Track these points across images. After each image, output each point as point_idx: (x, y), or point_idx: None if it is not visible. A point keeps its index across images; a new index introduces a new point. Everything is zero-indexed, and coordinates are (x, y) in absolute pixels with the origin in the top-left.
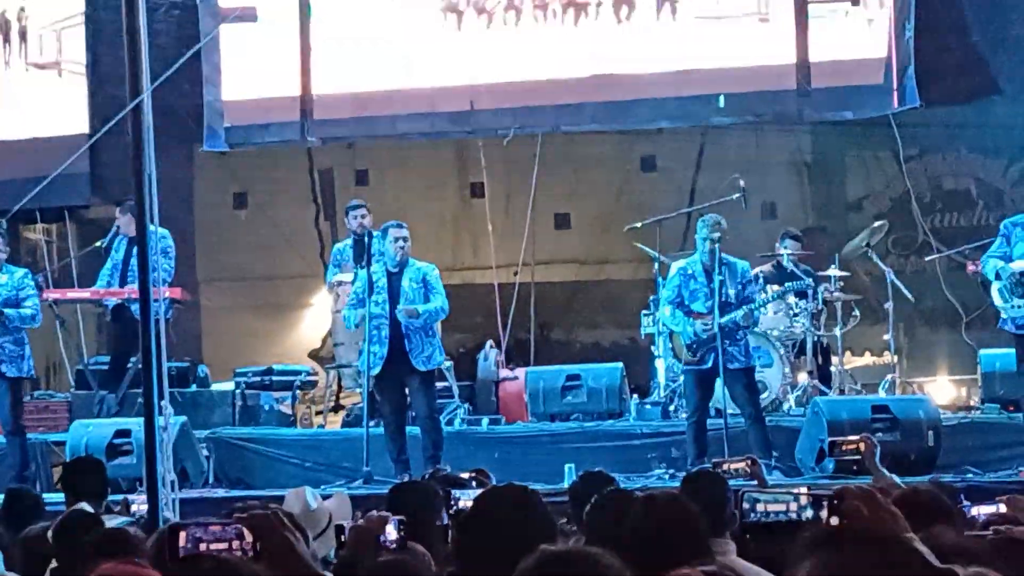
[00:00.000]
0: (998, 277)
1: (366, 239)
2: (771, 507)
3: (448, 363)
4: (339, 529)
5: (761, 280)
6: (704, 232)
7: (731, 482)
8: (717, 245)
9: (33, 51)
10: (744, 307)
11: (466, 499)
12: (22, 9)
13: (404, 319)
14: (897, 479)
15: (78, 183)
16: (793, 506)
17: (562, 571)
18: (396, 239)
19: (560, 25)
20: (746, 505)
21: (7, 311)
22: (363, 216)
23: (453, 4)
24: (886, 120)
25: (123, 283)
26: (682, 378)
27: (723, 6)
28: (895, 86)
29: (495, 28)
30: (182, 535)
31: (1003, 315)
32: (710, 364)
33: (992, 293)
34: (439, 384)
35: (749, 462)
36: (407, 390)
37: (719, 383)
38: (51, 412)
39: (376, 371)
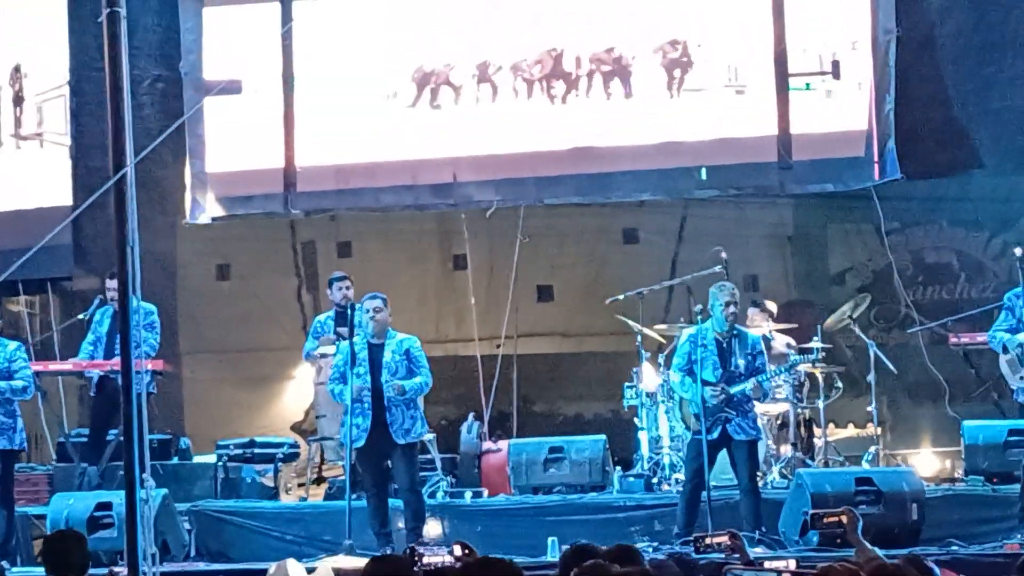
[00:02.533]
0: (1005, 350)
1: (348, 311)
2: None
3: (431, 435)
4: None
5: None
6: (722, 300)
7: (713, 556)
8: (735, 314)
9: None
10: (753, 379)
11: (430, 555)
12: (16, 69)
13: (392, 393)
14: (880, 552)
15: (61, 255)
16: None
17: None
18: (368, 310)
19: (543, 98)
20: None
21: None
22: (348, 288)
23: (427, 77)
24: (868, 193)
25: (108, 356)
26: (687, 444)
27: (704, 79)
28: (876, 159)
29: (478, 101)
30: None
31: (1012, 386)
32: (716, 435)
33: (1001, 366)
34: (422, 456)
35: (730, 536)
36: (389, 462)
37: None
38: (32, 485)
39: (359, 444)
